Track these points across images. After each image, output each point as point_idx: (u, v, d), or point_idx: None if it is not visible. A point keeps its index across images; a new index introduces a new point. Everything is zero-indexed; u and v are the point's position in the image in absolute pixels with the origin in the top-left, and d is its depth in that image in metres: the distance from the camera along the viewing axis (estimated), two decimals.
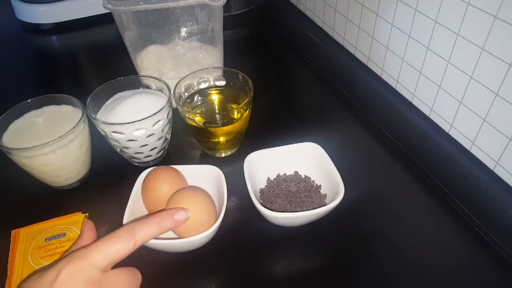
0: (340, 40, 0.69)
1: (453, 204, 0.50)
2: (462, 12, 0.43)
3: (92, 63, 0.83)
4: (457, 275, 0.44)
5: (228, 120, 0.54)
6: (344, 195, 0.45)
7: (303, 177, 0.52)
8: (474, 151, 0.48)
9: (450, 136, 0.51)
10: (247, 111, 0.54)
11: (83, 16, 0.89)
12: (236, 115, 0.55)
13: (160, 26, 0.61)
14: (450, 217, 0.49)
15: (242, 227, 0.49)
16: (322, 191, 0.50)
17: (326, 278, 0.44)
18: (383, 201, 0.52)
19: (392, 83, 0.59)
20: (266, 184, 0.52)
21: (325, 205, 0.44)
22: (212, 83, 0.60)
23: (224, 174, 0.48)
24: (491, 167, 0.46)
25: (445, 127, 0.51)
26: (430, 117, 0.53)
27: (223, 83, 0.60)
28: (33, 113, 0.53)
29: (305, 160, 0.52)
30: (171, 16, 0.59)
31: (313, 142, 0.52)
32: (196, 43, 0.64)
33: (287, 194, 0.50)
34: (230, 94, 0.59)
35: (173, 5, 0.56)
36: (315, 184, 0.51)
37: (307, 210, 0.46)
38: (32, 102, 0.53)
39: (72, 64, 0.82)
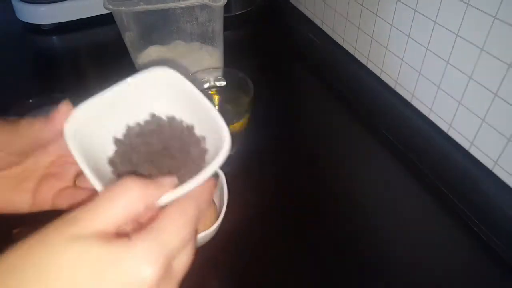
0: (339, 40, 0.69)
1: (453, 204, 0.50)
2: (462, 12, 0.43)
3: (92, 64, 0.83)
4: (456, 275, 0.44)
5: (228, 121, 0.54)
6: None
7: (165, 119, 0.32)
8: (473, 151, 0.48)
9: (449, 136, 0.51)
10: (247, 112, 0.54)
11: (84, 17, 0.89)
12: (236, 115, 0.55)
13: (160, 26, 0.61)
14: (450, 217, 0.49)
15: (242, 227, 0.49)
16: (198, 133, 0.32)
17: (326, 278, 0.44)
18: (382, 201, 0.52)
19: (392, 84, 0.59)
20: (114, 148, 0.31)
21: (206, 162, 0.29)
22: (212, 83, 0.60)
23: (224, 174, 0.48)
24: (490, 167, 0.46)
25: (444, 127, 0.51)
26: (429, 117, 0.53)
27: (223, 83, 0.60)
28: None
29: (160, 95, 0.32)
30: (172, 17, 0.59)
31: None
32: (196, 43, 0.64)
33: (150, 155, 0.30)
34: (230, 94, 0.59)
35: (173, 5, 0.56)
36: (185, 126, 0.31)
37: (185, 174, 0.28)
38: (32, 102, 0.53)
39: (73, 64, 0.82)
